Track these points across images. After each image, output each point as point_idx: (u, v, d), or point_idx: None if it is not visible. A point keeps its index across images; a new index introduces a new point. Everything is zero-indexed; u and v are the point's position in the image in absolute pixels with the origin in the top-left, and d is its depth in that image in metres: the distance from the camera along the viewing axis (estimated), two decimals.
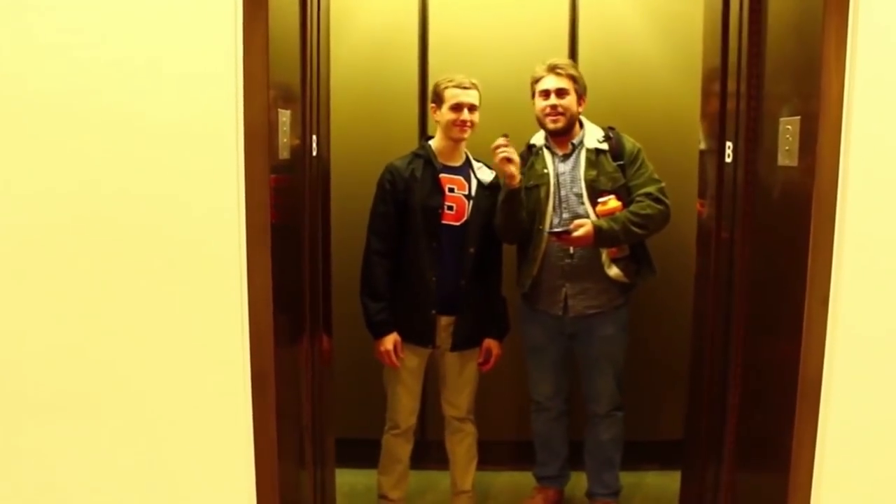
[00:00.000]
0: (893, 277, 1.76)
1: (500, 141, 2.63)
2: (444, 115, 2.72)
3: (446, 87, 2.72)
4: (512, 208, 2.68)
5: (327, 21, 2.38)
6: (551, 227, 2.72)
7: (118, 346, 1.80)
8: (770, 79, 2.07)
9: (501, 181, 2.70)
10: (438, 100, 2.74)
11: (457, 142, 2.76)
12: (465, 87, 2.70)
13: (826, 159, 1.73)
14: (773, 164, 1.98)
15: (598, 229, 2.63)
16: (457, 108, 2.69)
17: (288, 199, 2.15)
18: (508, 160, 2.61)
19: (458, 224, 2.75)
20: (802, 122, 1.82)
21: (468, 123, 2.70)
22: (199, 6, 1.70)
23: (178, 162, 1.74)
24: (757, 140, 2.16)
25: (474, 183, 2.79)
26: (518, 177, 2.65)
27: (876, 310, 1.77)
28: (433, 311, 2.74)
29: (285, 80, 2.02)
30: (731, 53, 2.29)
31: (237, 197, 1.75)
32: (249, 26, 1.71)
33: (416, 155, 2.80)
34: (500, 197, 2.70)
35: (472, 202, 2.77)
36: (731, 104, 2.33)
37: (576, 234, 2.62)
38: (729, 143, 2.39)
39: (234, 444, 1.82)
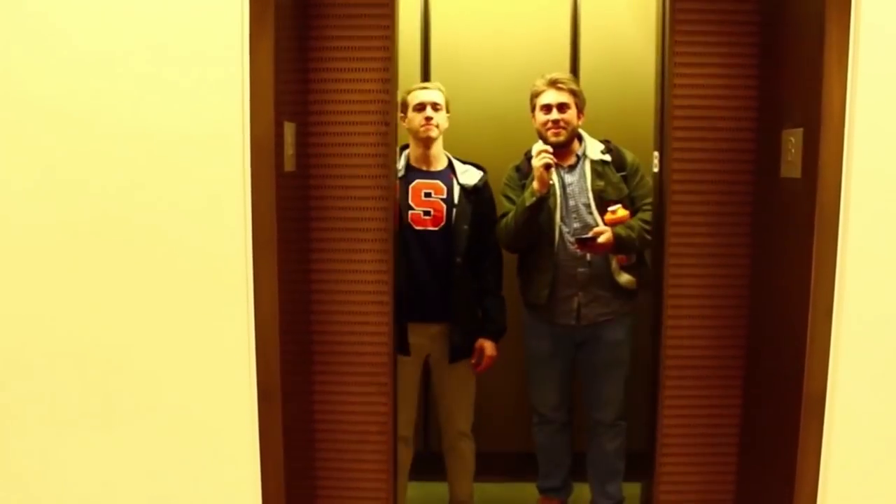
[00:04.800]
0: None
1: (547, 147, 2.66)
2: (411, 119, 2.75)
3: (409, 92, 2.76)
4: (537, 214, 2.69)
5: None
6: (563, 236, 2.74)
7: (125, 360, 1.80)
8: (772, 90, 2.08)
9: (532, 188, 2.68)
10: (404, 107, 2.76)
11: (426, 144, 2.76)
12: (425, 88, 2.78)
13: (829, 170, 1.73)
14: (776, 175, 1.98)
15: (617, 236, 2.67)
16: (420, 107, 2.72)
17: None
18: (549, 167, 2.64)
19: (436, 229, 2.75)
20: (805, 133, 1.83)
21: (432, 120, 2.71)
22: (206, 21, 1.72)
23: (185, 179, 1.75)
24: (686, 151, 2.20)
25: (456, 188, 2.78)
26: (549, 185, 2.68)
27: (880, 320, 1.77)
28: (404, 321, 2.67)
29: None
30: (664, 68, 2.35)
31: (244, 211, 1.75)
32: (256, 38, 1.72)
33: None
34: (525, 203, 2.68)
35: (455, 208, 2.75)
36: (656, 117, 2.42)
37: (599, 240, 2.65)
38: (656, 154, 2.42)
39: (241, 460, 1.82)
